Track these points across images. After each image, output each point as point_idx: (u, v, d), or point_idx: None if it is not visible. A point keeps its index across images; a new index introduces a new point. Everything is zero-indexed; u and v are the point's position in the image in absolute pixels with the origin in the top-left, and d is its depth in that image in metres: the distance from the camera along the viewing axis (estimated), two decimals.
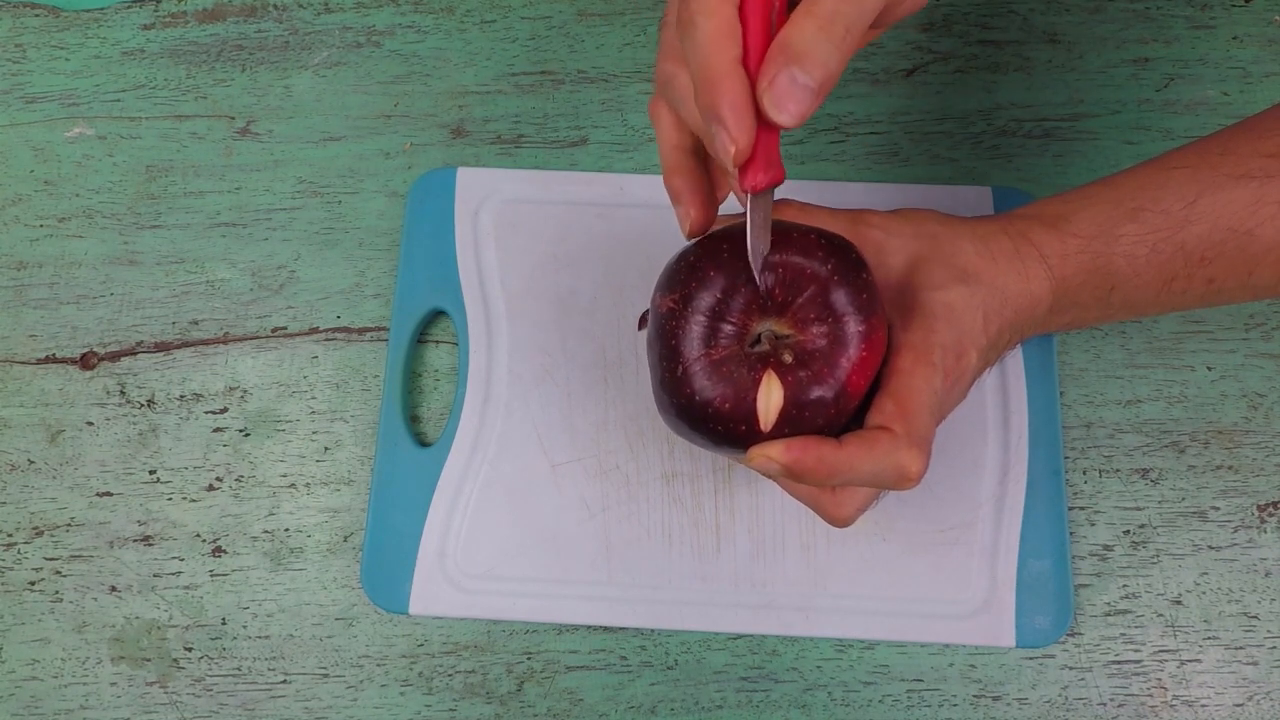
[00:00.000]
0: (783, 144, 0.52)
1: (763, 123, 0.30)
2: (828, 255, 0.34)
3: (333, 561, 0.47)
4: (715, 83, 0.29)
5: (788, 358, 0.34)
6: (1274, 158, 0.36)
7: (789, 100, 0.29)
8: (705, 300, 0.34)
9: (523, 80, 0.54)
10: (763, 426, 0.33)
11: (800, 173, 0.51)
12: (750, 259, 0.33)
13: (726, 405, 0.34)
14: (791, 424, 0.34)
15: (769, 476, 0.36)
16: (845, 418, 0.34)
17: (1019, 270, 0.37)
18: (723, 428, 0.34)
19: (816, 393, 0.33)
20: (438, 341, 0.50)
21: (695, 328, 0.34)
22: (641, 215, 0.50)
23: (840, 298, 0.34)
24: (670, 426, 0.37)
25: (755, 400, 0.33)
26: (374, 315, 0.51)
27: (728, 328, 0.34)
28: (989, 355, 0.38)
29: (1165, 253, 0.37)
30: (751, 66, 0.30)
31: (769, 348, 0.34)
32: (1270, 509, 0.46)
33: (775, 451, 0.33)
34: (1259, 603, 0.45)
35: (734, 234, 0.35)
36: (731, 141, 0.30)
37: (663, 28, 0.35)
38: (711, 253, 0.35)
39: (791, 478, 0.34)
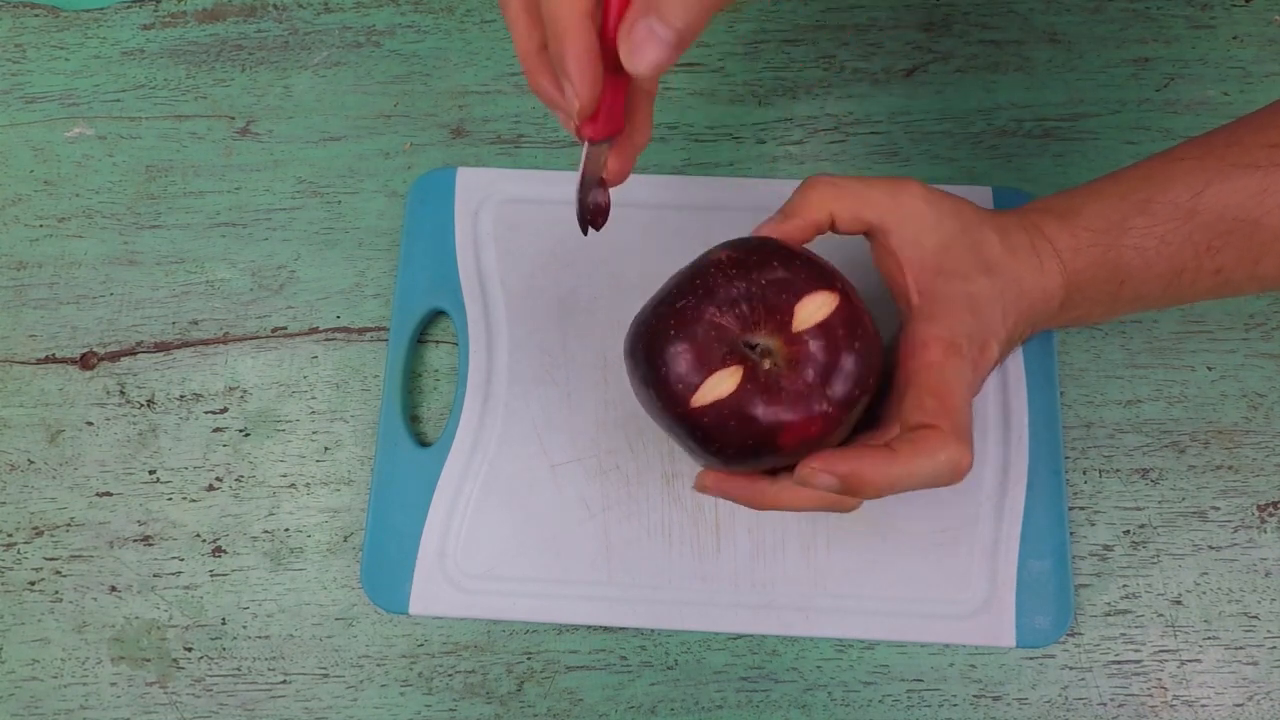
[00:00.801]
0: (782, 144, 0.52)
1: (613, 74, 0.31)
2: (864, 337, 0.35)
3: (333, 561, 0.47)
4: (563, 35, 0.30)
5: (767, 364, 0.35)
6: (1279, 148, 0.36)
7: (646, 48, 0.29)
8: (750, 278, 0.35)
9: (523, 80, 0.54)
10: (693, 400, 0.34)
11: (800, 173, 0.51)
12: (577, 204, 0.35)
13: (686, 357, 0.35)
14: (710, 415, 0.34)
15: (813, 495, 0.35)
16: (746, 452, 0.35)
17: (1035, 265, 0.37)
18: (666, 370, 0.35)
19: (756, 415, 0.34)
20: (438, 341, 0.50)
21: (722, 289, 0.35)
22: (641, 215, 0.50)
23: (844, 374, 0.35)
24: (627, 345, 0.37)
25: (710, 374, 0.34)
26: (374, 315, 0.51)
27: (745, 309, 0.35)
28: (1006, 349, 0.38)
29: (1174, 244, 0.37)
30: (611, 20, 0.30)
31: (758, 357, 0.35)
32: (1270, 509, 0.46)
33: (828, 464, 0.33)
34: (1259, 603, 0.45)
35: (808, 254, 0.37)
36: (576, 96, 0.31)
37: None
38: (782, 250, 0.36)
39: (846, 490, 0.34)
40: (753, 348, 0.35)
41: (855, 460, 0.33)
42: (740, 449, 0.35)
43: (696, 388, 0.34)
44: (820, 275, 0.36)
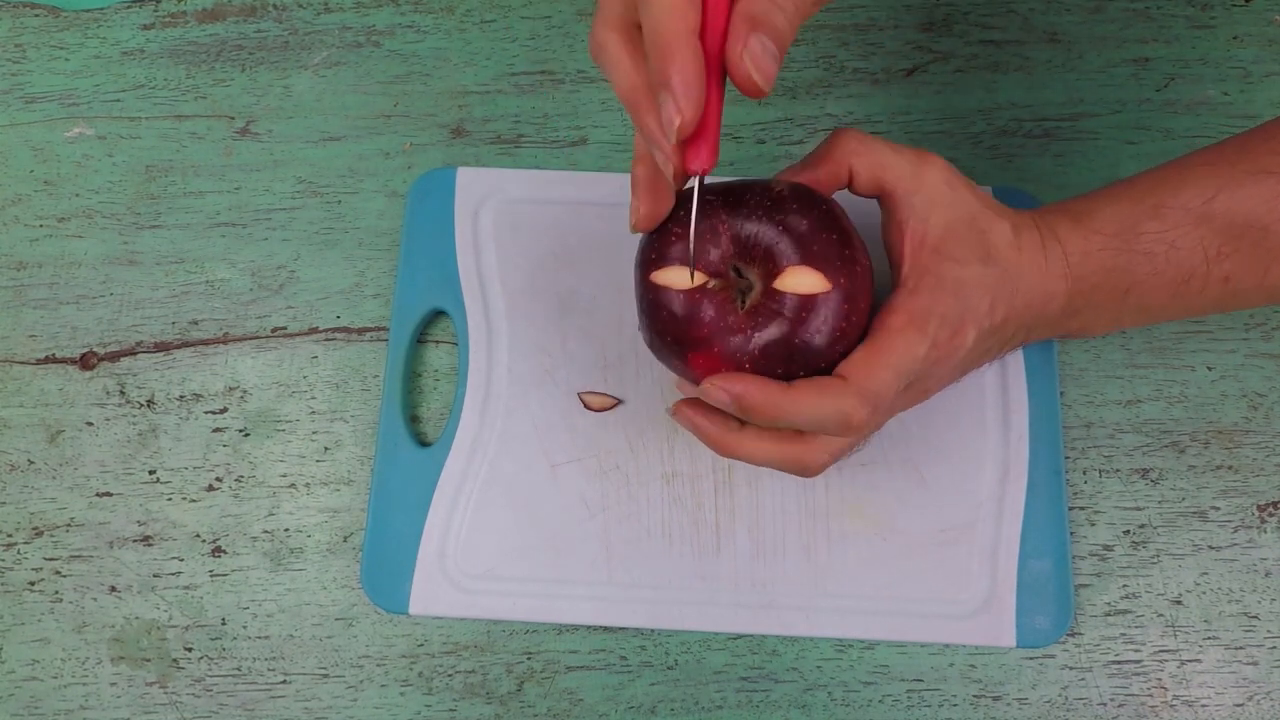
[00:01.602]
0: (782, 144, 0.52)
1: (715, 97, 0.31)
2: (829, 334, 0.35)
3: (333, 561, 0.47)
4: (669, 49, 0.29)
5: (714, 284, 0.36)
6: None
7: (763, 65, 0.30)
8: (776, 219, 0.36)
9: (523, 80, 0.54)
10: (653, 273, 0.36)
11: None
12: (692, 246, 0.35)
13: (674, 240, 0.36)
14: (656, 295, 0.36)
15: (770, 449, 0.37)
16: (662, 345, 0.37)
17: (1040, 264, 0.37)
18: (655, 238, 0.37)
19: (687, 322, 0.36)
20: (438, 341, 0.50)
21: (747, 210, 0.36)
22: None
23: (783, 348, 0.35)
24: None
25: (677, 264, 0.36)
26: (374, 315, 0.51)
27: (750, 240, 0.36)
28: (989, 341, 0.38)
29: (1183, 249, 0.37)
30: (710, 40, 0.31)
31: (739, 286, 0.36)
32: (1270, 509, 0.46)
33: (726, 383, 0.35)
34: (1259, 603, 0.45)
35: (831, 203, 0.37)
36: (678, 111, 0.30)
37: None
38: (827, 217, 0.36)
39: (739, 411, 0.35)
40: (739, 275, 0.36)
41: (749, 384, 0.35)
42: (659, 337, 0.37)
43: (662, 267, 0.36)
44: (832, 259, 0.35)
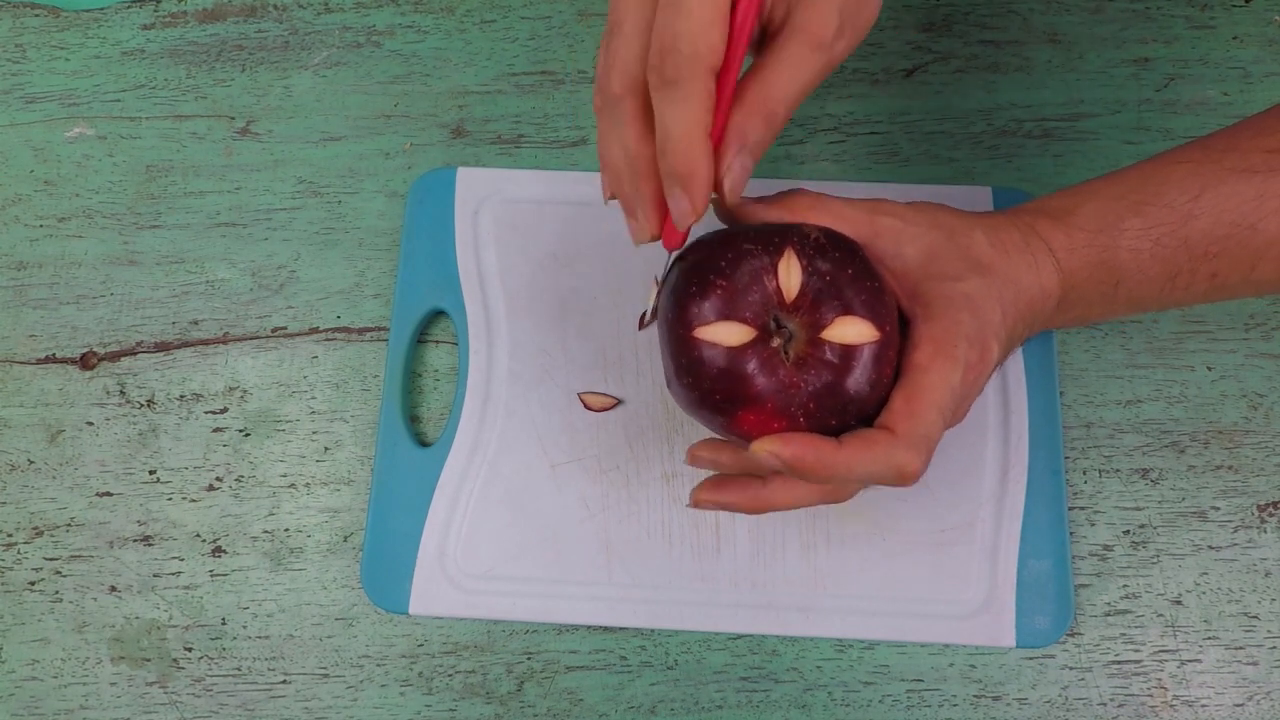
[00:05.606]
0: (782, 144, 0.52)
1: None
2: (873, 381, 0.35)
3: (333, 561, 0.47)
4: (694, 157, 0.32)
5: (775, 342, 0.35)
6: (1277, 153, 0.36)
7: (737, 184, 0.34)
8: (817, 266, 0.35)
9: (523, 80, 0.54)
10: (697, 329, 0.35)
11: (800, 173, 0.51)
12: (653, 308, 0.37)
13: (717, 293, 0.35)
14: (702, 350, 0.35)
15: (804, 492, 0.36)
16: (708, 402, 0.35)
17: (1030, 263, 0.37)
18: (694, 290, 0.35)
19: (739, 379, 0.34)
20: (438, 341, 0.50)
21: (780, 254, 0.35)
22: None
23: (835, 398, 0.35)
24: (683, 251, 0.37)
25: (725, 320, 0.35)
26: (374, 315, 0.51)
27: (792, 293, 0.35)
28: (1006, 349, 0.38)
29: (1169, 247, 0.37)
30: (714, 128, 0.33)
31: (782, 337, 0.35)
32: (1270, 509, 0.46)
33: (777, 446, 0.34)
34: (1259, 603, 0.45)
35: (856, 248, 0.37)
36: (692, 212, 0.33)
37: (611, 37, 0.34)
38: (862, 263, 0.36)
39: (792, 474, 0.34)
40: (780, 326, 0.35)
41: (802, 447, 0.34)
42: (705, 396, 0.35)
43: (708, 322, 0.35)
44: (877, 308, 0.35)
